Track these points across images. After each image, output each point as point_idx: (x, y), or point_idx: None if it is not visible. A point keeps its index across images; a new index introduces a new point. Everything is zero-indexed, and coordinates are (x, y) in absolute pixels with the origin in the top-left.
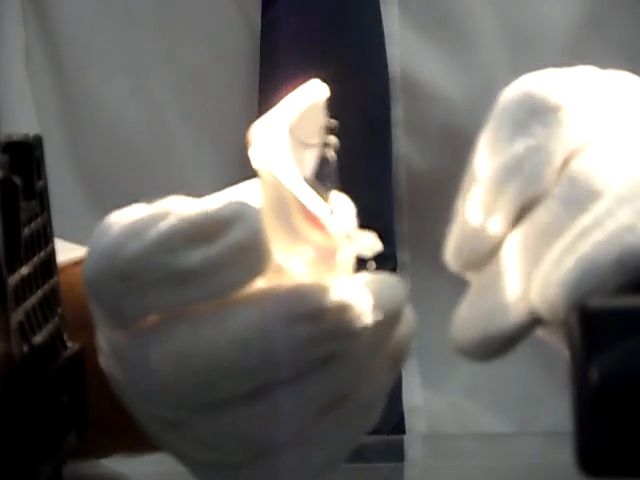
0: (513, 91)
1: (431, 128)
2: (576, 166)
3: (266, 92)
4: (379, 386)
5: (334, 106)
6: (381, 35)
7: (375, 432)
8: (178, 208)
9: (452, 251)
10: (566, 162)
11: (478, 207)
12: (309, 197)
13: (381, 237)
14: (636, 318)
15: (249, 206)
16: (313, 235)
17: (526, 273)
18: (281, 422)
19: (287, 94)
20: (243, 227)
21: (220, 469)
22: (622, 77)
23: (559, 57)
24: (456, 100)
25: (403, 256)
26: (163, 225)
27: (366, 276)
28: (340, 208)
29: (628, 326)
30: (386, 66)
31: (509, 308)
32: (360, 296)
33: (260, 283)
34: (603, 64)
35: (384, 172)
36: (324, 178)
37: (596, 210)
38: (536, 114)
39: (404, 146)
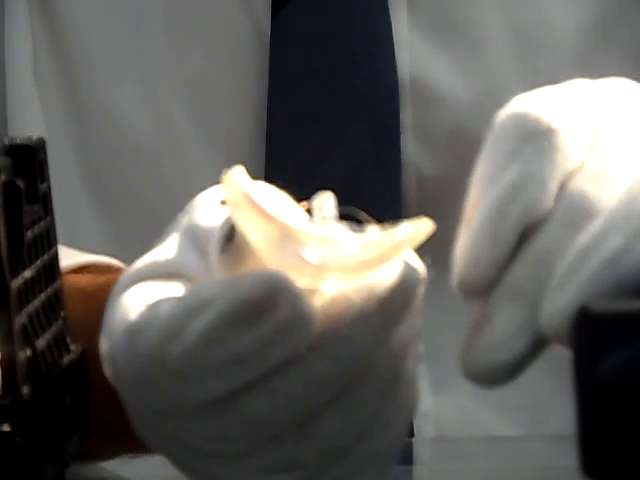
0: (506, 115)
1: (440, 133)
2: (572, 188)
3: (275, 97)
4: (394, 370)
5: (343, 111)
6: (390, 40)
7: None
8: (219, 297)
9: (457, 283)
10: (563, 185)
11: (479, 238)
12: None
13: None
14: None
15: (280, 278)
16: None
17: (530, 300)
18: (260, 423)
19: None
20: (283, 304)
21: (229, 458)
22: (617, 85)
23: (568, 61)
24: (465, 105)
25: None
26: (202, 321)
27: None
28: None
29: (631, 329)
30: (395, 71)
31: (514, 335)
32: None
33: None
34: (611, 67)
35: (393, 176)
36: None
37: (592, 231)
38: (529, 140)
39: (413, 151)
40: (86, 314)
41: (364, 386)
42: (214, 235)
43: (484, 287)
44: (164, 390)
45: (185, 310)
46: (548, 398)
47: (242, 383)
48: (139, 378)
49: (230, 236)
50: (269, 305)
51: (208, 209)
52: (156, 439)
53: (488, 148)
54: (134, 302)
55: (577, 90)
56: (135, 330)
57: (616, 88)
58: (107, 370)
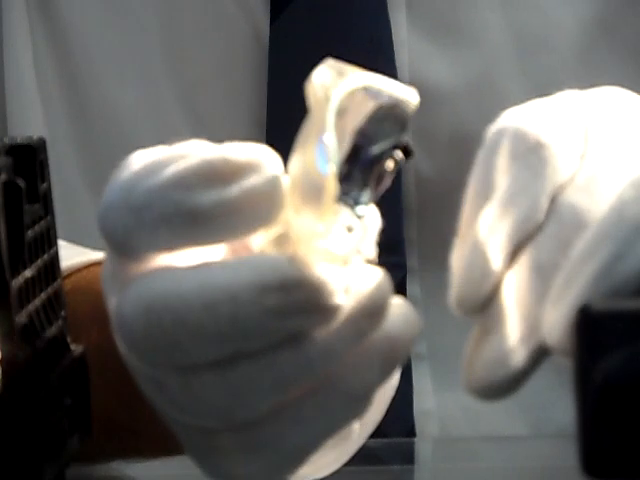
0: (496, 130)
1: (440, 134)
2: (563, 201)
3: (274, 99)
4: (368, 380)
5: None
6: (389, 42)
7: (387, 437)
8: (199, 150)
9: (454, 300)
10: (554, 198)
11: (473, 255)
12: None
13: (390, 244)
14: None
15: (270, 154)
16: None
17: (527, 314)
18: (253, 396)
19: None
20: (261, 174)
21: (198, 432)
22: (606, 94)
23: (568, 61)
24: (464, 106)
25: (412, 262)
26: (182, 164)
27: (356, 266)
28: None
29: (632, 328)
30: (395, 73)
31: (514, 350)
32: (336, 277)
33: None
34: (612, 67)
35: (393, 179)
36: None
37: (586, 241)
38: (519, 155)
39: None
40: (94, 310)
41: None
42: None
43: (481, 303)
44: (121, 221)
45: (173, 152)
46: (552, 397)
47: (188, 243)
48: (108, 205)
49: None
50: (246, 171)
51: None
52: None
53: (478, 164)
54: None
55: (566, 101)
56: (129, 162)
57: (606, 97)
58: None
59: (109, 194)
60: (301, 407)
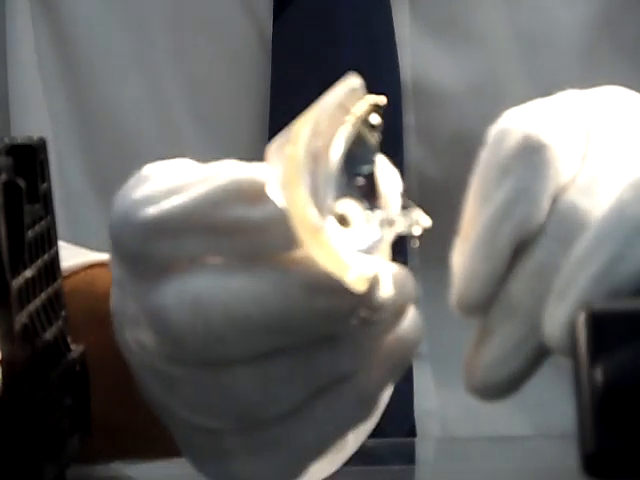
0: (497, 131)
1: (443, 134)
2: (564, 202)
3: (277, 97)
4: (379, 379)
5: None
6: (392, 41)
7: (387, 436)
8: (228, 169)
9: (455, 301)
10: (555, 198)
11: (475, 255)
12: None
13: (392, 244)
14: None
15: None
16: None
17: (528, 314)
18: (279, 391)
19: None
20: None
21: (204, 435)
22: (608, 94)
23: (571, 61)
24: (468, 106)
25: (414, 261)
26: (212, 183)
27: (380, 264)
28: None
29: (633, 328)
30: (397, 72)
31: (515, 351)
32: (381, 282)
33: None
34: (614, 67)
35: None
36: (361, 160)
37: (586, 241)
38: (521, 156)
39: (416, 152)
40: (92, 313)
41: (295, 365)
42: None
43: (482, 304)
44: (142, 233)
45: (203, 174)
46: (554, 397)
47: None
48: (127, 216)
49: None
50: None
51: None
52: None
53: (480, 165)
54: None
55: (567, 101)
56: (148, 172)
57: (607, 97)
58: None
59: (125, 205)
60: (314, 407)
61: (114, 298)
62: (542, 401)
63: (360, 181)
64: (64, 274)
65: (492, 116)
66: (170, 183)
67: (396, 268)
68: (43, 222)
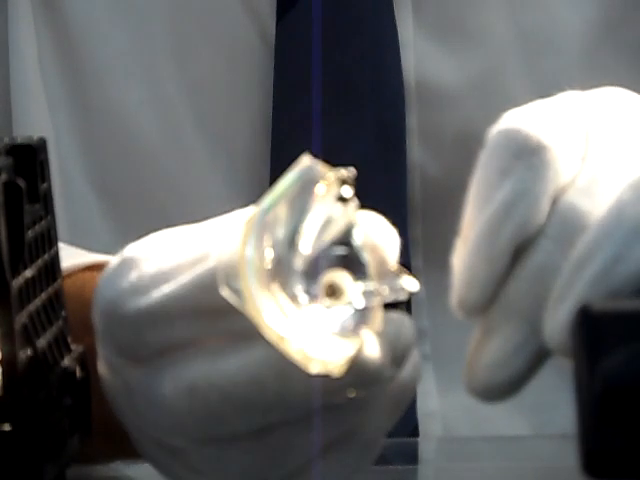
0: (497, 133)
1: (445, 135)
2: (564, 203)
3: (280, 99)
4: (381, 426)
5: (348, 114)
6: (395, 42)
7: (390, 437)
8: (215, 252)
9: (456, 302)
10: (555, 199)
11: (475, 257)
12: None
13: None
14: None
15: None
16: None
17: (528, 315)
18: (287, 457)
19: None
20: None
21: (180, 455)
22: (607, 95)
23: (574, 63)
24: (470, 106)
25: (417, 262)
26: (200, 267)
27: (362, 339)
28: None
29: (632, 329)
30: (400, 73)
31: (515, 352)
32: (377, 347)
33: None
34: (617, 69)
35: (398, 179)
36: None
37: (586, 242)
38: (520, 157)
39: (418, 153)
40: (85, 318)
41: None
42: None
43: (482, 305)
44: (135, 324)
45: (192, 257)
46: (555, 398)
47: (204, 335)
48: (119, 306)
49: None
50: None
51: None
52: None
53: (480, 166)
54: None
55: (567, 102)
56: (133, 258)
57: (607, 98)
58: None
59: (114, 295)
60: (319, 463)
61: (105, 373)
62: (543, 403)
63: (345, 251)
64: None
65: (495, 117)
66: (157, 269)
67: (390, 321)
68: (43, 222)
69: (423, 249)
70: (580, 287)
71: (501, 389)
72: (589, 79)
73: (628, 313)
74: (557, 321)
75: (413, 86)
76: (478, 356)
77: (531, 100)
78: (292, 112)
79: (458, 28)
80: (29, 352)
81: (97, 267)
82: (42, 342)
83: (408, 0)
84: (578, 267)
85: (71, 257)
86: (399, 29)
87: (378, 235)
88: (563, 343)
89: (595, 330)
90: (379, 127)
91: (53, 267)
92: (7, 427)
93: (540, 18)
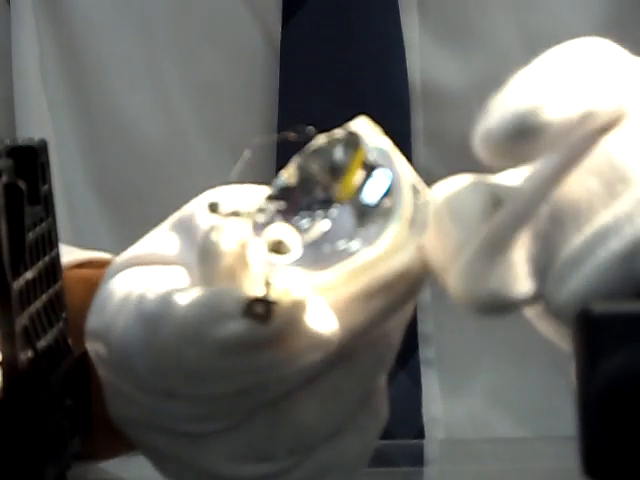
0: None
1: (451, 137)
2: (613, 144)
3: (285, 102)
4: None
5: (353, 116)
6: (401, 44)
7: (396, 439)
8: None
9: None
10: (596, 132)
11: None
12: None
13: None
14: None
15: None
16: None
17: (551, 245)
18: (335, 407)
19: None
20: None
21: (198, 439)
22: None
23: None
24: (476, 109)
25: None
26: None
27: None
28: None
29: (633, 330)
30: (406, 75)
31: (527, 277)
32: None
33: None
34: None
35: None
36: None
37: (617, 210)
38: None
39: (424, 156)
40: (79, 320)
41: (344, 377)
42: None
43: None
44: (173, 383)
45: (202, 318)
46: (558, 401)
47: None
48: (155, 365)
49: None
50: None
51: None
52: (127, 422)
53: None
54: (132, 285)
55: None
56: (150, 321)
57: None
58: (93, 345)
59: (153, 348)
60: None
61: (113, 405)
62: (545, 405)
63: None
64: None
65: None
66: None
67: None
68: (44, 224)
69: None
70: (601, 258)
71: (510, 305)
72: None
73: (629, 314)
74: (568, 289)
75: (418, 88)
76: (485, 266)
77: None
78: (297, 115)
79: (464, 30)
80: (30, 353)
81: (96, 262)
82: (42, 343)
83: (413, 2)
84: (604, 235)
85: (68, 254)
86: (404, 31)
87: None
88: (568, 312)
89: (596, 331)
90: (384, 129)
91: (54, 269)
92: (7, 428)
93: (545, 20)
